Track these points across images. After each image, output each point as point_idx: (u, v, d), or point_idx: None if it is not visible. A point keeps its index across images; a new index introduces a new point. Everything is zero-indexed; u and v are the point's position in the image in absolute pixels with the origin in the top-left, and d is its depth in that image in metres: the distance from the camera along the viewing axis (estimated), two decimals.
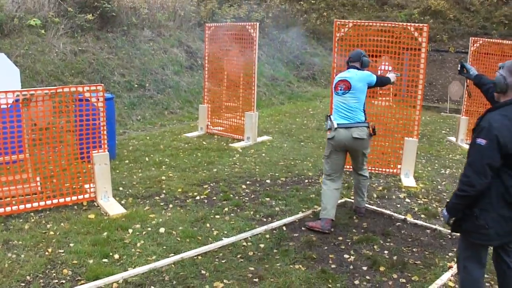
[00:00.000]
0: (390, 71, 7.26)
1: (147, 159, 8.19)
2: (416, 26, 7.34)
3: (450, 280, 4.44)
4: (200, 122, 10.56)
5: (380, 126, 7.73)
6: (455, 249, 4.92)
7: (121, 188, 6.65)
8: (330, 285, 4.27)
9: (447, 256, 4.93)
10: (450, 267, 4.68)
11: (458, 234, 3.73)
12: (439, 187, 7.36)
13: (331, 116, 5.71)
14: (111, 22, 12.93)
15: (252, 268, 4.51)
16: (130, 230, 5.26)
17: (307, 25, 21.12)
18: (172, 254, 4.74)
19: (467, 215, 3.47)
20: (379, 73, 8.44)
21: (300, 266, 4.60)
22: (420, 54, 7.27)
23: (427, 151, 9.64)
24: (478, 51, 10.36)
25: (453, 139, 10.85)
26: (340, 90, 5.65)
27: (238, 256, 4.77)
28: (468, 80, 4.53)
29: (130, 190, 6.60)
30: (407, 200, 6.72)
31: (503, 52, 10.38)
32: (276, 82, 16.74)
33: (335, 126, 5.55)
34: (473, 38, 10.52)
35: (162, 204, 6.15)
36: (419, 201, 6.69)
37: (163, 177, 7.19)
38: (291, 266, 4.59)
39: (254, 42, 9.29)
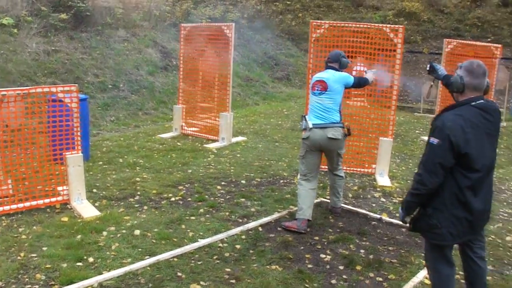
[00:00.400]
0: (366, 71, 7.31)
1: (121, 160, 8.09)
2: (392, 27, 7.40)
3: (426, 278, 4.46)
4: (174, 123, 10.48)
5: (355, 126, 7.78)
6: None
7: (95, 190, 6.54)
8: (307, 285, 4.27)
9: (422, 254, 4.93)
10: (427, 265, 4.72)
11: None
12: None
13: (306, 116, 5.71)
14: (85, 22, 12.76)
15: (229, 269, 4.48)
16: (105, 233, 5.17)
17: (282, 26, 21.19)
18: (148, 257, 4.67)
19: (421, 214, 3.52)
20: (353, 73, 8.50)
21: (277, 266, 4.58)
22: (395, 55, 7.33)
23: (401, 151, 9.74)
24: (452, 53, 10.52)
25: (426, 138, 10.98)
26: (317, 90, 5.66)
27: (214, 257, 4.74)
28: (434, 80, 4.57)
29: (104, 192, 6.49)
30: (382, 199, 6.78)
31: (476, 53, 10.56)
32: (251, 82, 16.74)
33: (310, 126, 5.55)
34: (447, 39, 10.69)
35: (136, 206, 6.07)
36: (394, 200, 6.75)
37: (138, 179, 7.10)
38: (268, 266, 4.57)
39: (230, 42, 9.26)
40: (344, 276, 4.48)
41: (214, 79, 10.23)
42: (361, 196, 6.86)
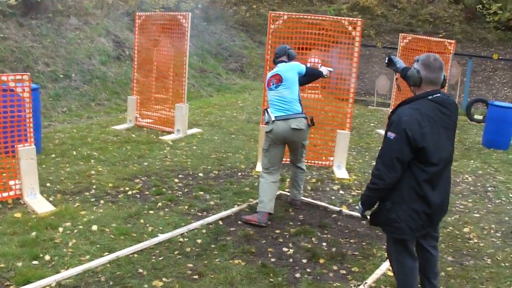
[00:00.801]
0: (320, 64, 7.32)
1: (74, 153, 7.81)
2: (350, 20, 7.43)
3: (389, 270, 4.50)
4: (128, 114, 10.22)
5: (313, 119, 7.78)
6: None
7: (48, 184, 6.28)
8: (271, 279, 4.23)
9: (383, 247, 4.98)
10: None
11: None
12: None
13: (269, 109, 5.66)
14: (35, 8, 12.21)
15: (191, 265, 4.38)
16: (61, 229, 4.96)
17: (237, 17, 21.06)
18: (107, 253, 4.51)
19: (380, 209, 3.53)
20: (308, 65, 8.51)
21: (240, 261, 4.53)
22: (353, 48, 7.36)
23: (357, 144, 9.85)
24: (406, 47, 10.69)
25: (381, 131, 11.14)
26: (273, 84, 5.65)
27: (176, 252, 4.63)
28: (396, 74, 4.61)
29: (58, 186, 6.25)
30: (341, 192, 6.82)
31: (430, 48, 10.76)
32: (205, 74, 16.57)
33: (273, 118, 5.51)
34: (402, 34, 10.85)
35: (92, 200, 5.87)
36: (352, 193, 6.80)
37: (93, 172, 6.88)
38: (231, 261, 4.51)
39: (186, 32, 9.09)
40: (308, 270, 4.46)
41: (169, 69, 10.03)
42: (320, 189, 6.88)
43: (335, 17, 7.86)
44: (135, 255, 4.52)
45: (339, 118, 8.05)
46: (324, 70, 6.19)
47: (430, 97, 3.39)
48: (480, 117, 13.01)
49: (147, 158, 7.81)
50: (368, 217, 3.72)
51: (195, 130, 9.98)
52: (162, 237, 4.91)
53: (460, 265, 4.86)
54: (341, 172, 7.60)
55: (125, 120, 10.36)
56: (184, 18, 9.04)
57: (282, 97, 5.59)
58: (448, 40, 11.16)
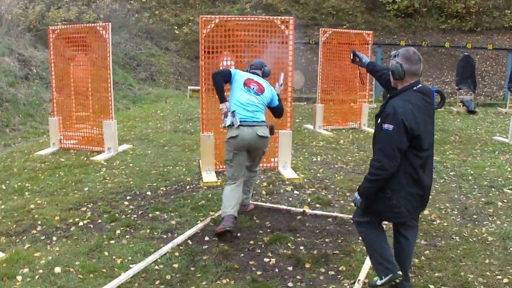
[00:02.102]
0: (233, 66, 7.22)
1: (3, 186, 7.13)
2: (282, 19, 7.38)
3: None
4: (52, 137, 9.53)
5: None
6: None
7: None
8: None
9: (359, 241, 4.99)
10: None
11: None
12: (318, 175, 7.56)
13: (235, 112, 5.36)
14: None
15: None
16: (19, 277, 4.35)
17: (140, 24, 20.49)
18: None
19: (379, 197, 3.66)
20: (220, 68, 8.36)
21: (227, 279, 4.30)
22: (288, 46, 7.33)
23: (292, 141, 9.84)
24: (327, 41, 10.86)
25: (310, 126, 11.28)
26: (253, 89, 5.48)
27: (157, 282, 4.28)
28: (360, 68, 4.67)
29: None
30: (296, 192, 6.77)
31: (351, 40, 11.02)
32: (117, 86, 15.97)
33: (238, 123, 5.28)
34: (322, 29, 11.04)
35: (43, 238, 5.29)
36: (307, 192, 6.78)
37: (32, 206, 6.27)
38: (218, 282, 4.27)
39: (107, 44, 8.62)
40: (298, 277, 4.34)
41: (91, 84, 9.48)
42: (275, 192, 6.78)
43: (267, 17, 7.78)
44: None
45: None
46: (278, 89, 6.05)
47: (415, 88, 3.60)
48: None
49: (85, 182, 7.30)
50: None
51: (125, 146, 9.55)
52: (135, 268, 4.51)
53: (434, 246, 5.01)
54: (288, 172, 7.56)
55: (47, 144, 9.69)
56: (104, 29, 8.56)
57: (255, 105, 5.44)
58: (367, 32, 11.51)
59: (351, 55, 4.47)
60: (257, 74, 5.72)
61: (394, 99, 3.59)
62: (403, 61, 3.59)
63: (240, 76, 5.62)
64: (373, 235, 3.86)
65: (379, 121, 3.62)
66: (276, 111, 5.88)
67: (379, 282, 3.85)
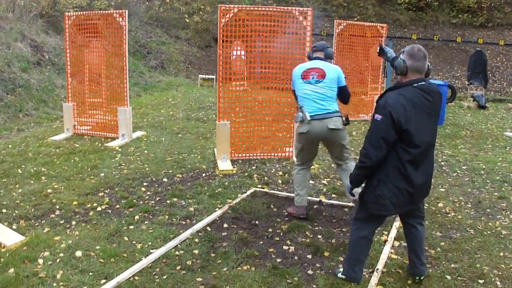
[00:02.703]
0: (245, 55, 7.23)
1: (19, 171, 7.22)
2: (301, 10, 7.41)
3: (391, 253, 4.60)
4: (66, 123, 9.62)
5: (271, 111, 7.77)
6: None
7: (4, 210, 5.64)
8: (288, 281, 4.10)
9: (376, 231, 5.05)
10: (385, 240, 4.85)
11: None
12: (332, 165, 7.58)
13: (303, 107, 5.26)
14: None
15: (200, 279, 4.14)
16: (40, 261, 4.40)
17: (150, 12, 20.49)
18: (104, 280, 4.08)
19: (367, 186, 3.82)
20: (232, 58, 8.37)
21: (248, 266, 4.37)
22: (305, 37, 7.36)
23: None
24: (341, 33, 10.86)
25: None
26: (313, 78, 5.28)
27: (178, 268, 4.34)
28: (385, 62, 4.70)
29: (16, 211, 5.63)
30: (311, 181, 6.81)
31: (364, 33, 11.03)
32: (128, 73, 15.99)
33: (308, 118, 5.16)
34: (337, 20, 11.02)
35: (62, 222, 5.36)
36: (323, 181, 6.84)
37: (49, 190, 6.36)
38: (239, 268, 4.33)
39: (124, 31, 8.67)
40: (318, 265, 4.40)
41: (107, 72, 9.55)
42: (291, 181, 6.82)
43: (286, 7, 7.79)
44: (136, 278, 4.16)
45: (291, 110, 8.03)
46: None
47: (415, 84, 3.66)
48: None
49: (101, 168, 7.39)
50: (356, 195, 4.06)
51: (139, 133, 9.62)
52: (156, 253, 4.58)
53: (450, 238, 5.06)
54: None
55: (61, 129, 9.78)
56: (121, 17, 8.61)
57: (321, 94, 5.24)
58: (381, 24, 11.50)
59: (378, 48, 4.49)
60: (319, 57, 5.46)
61: (389, 92, 3.70)
62: (407, 57, 3.66)
63: (297, 71, 5.47)
64: (361, 236, 4.00)
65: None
66: (344, 93, 5.48)
67: (339, 275, 4.12)
